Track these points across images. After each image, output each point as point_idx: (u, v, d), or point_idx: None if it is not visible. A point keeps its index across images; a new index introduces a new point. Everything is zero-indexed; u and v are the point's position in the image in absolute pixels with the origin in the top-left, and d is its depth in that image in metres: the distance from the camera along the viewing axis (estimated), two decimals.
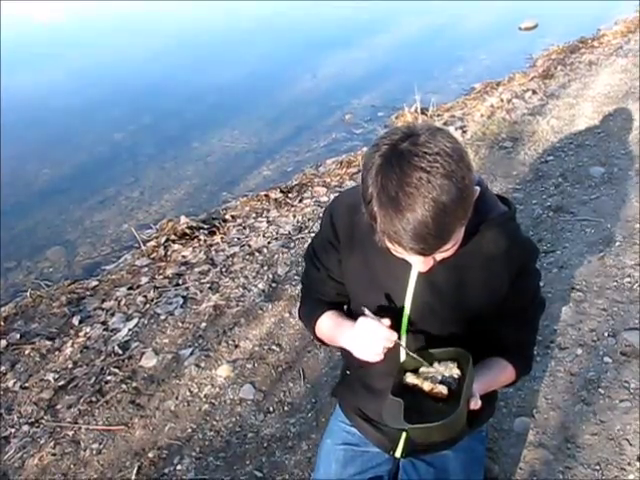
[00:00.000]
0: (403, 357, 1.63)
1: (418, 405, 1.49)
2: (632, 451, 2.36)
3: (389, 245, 1.37)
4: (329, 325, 1.79)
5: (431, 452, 1.88)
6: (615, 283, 3.22)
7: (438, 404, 1.51)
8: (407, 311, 1.62)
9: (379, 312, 1.60)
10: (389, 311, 1.63)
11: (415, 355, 1.57)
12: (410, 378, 1.54)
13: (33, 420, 2.87)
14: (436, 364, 1.56)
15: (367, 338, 1.55)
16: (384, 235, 1.32)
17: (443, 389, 1.51)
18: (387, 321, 1.54)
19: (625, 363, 2.75)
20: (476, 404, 1.49)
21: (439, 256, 1.42)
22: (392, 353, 1.58)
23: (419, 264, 1.44)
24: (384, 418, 1.50)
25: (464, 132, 5.31)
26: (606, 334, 2.91)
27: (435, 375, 1.54)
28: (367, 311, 1.55)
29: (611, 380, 2.67)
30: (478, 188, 1.43)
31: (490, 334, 1.66)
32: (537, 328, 1.82)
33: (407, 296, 1.60)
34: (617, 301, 3.09)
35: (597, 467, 2.31)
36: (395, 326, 1.59)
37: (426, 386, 1.52)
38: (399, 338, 1.60)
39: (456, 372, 1.53)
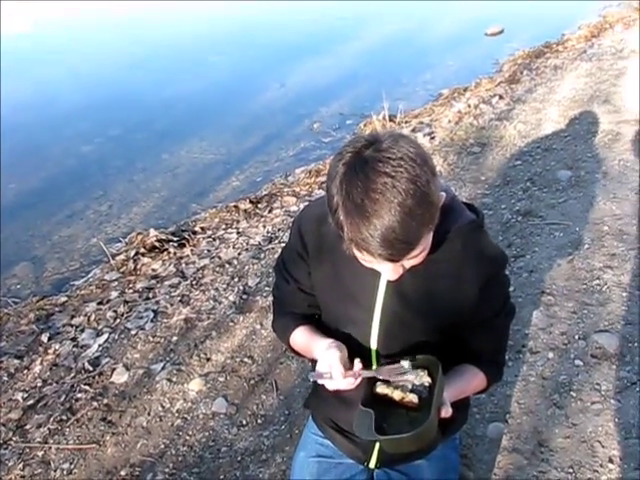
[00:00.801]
0: (373, 368, 1.62)
1: (389, 415, 1.49)
2: (604, 453, 2.37)
3: (357, 254, 1.36)
4: (302, 341, 1.78)
5: (405, 462, 1.87)
6: (584, 286, 3.24)
7: (409, 413, 1.50)
8: (376, 321, 1.61)
9: (348, 323, 1.60)
10: (358, 322, 1.63)
11: (385, 370, 1.56)
12: (380, 388, 1.53)
13: (1, 441, 2.82)
14: (407, 373, 1.54)
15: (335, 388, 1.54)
16: (352, 243, 1.32)
17: (414, 398, 1.50)
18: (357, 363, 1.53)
19: (596, 365, 2.77)
20: (447, 412, 1.48)
21: (408, 264, 1.42)
22: (361, 358, 1.56)
23: (388, 272, 1.43)
24: (355, 430, 1.48)
25: (432, 138, 5.33)
26: (577, 337, 2.93)
27: (405, 384, 1.53)
28: (359, 368, 1.54)
29: (582, 383, 2.69)
30: (444, 194, 1.42)
31: (461, 342, 1.66)
32: (508, 335, 1.82)
33: (376, 306, 1.59)
34: (587, 304, 3.11)
35: (570, 470, 2.32)
36: (364, 342, 1.62)
37: (396, 395, 1.51)
38: (368, 345, 1.60)
39: (427, 380, 1.52)
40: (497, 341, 1.77)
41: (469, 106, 5.97)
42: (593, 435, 2.45)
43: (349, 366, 1.52)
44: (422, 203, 1.27)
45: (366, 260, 1.38)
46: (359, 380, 1.51)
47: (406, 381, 1.53)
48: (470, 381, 1.73)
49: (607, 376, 2.70)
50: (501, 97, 6.07)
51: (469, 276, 1.57)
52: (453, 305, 1.60)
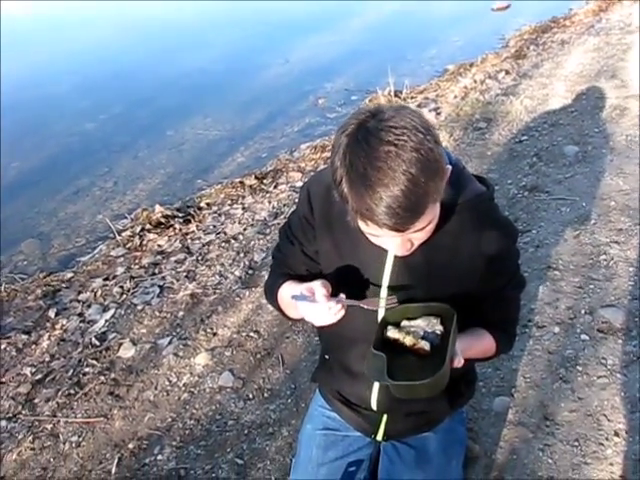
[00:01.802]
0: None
1: (399, 360, 1.47)
2: (609, 426, 2.38)
3: (363, 227, 1.36)
4: (287, 292, 1.71)
5: (412, 434, 1.88)
6: (591, 261, 3.23)
7: (420, 360, 1.48)
8: (384, 294, 1.60)
9: (353, 295, 1.59)
10: (364, 294, 1.62)
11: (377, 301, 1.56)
12: (391, 332, 1.51)
13: (11, 415, 2.84)
14: (419, 319, 1.53)
15: (317, 319, 1.51)
16: (357, 214, 1.31)
17: (425, 345, 1.48)
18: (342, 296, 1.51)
19: (602, 340, 2.77)
20: (459, 362, 1.46)
21: (416, 238, 1.41)
22: (370, 334, 1.56)
23: (396, 247, 1.42)
24: (366, 373, 1.47)
25: (438, 114, 5.30)
26: (583, 312, 2.92)
27: (417, 330, 1.51)
28: (343, 297, 1.51)
29: (589, 357, 2.69)
30: (449, 167, 1.41)
31: (471, 314, 1.65)
32: (519, 306, 1.82)
33: (384, 279, 1.59)
34: (593, 279, 3.11)
35: (576, 443, 2.33)
36: (371, 315, 1.60)
37: (408, 341, 1.49)
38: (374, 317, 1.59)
39: (439, 328, 1.51)
40: (508, 312, 1.77)
41: (475, 81, 5.93)
42: (599, 409, 2.45)
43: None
44: (426, 171, 1.26)
45: (372, 234, 1.38)
46: (342, 311, 1.48)
47: (417, 327, 1.52)
48: (480, 341, 1.71)
49: (613, 350, 2.70)
50: (507, 72, 6.03)
51: (478, 248, 1.56)
52: (462, 277, 1.59)
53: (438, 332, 1.51)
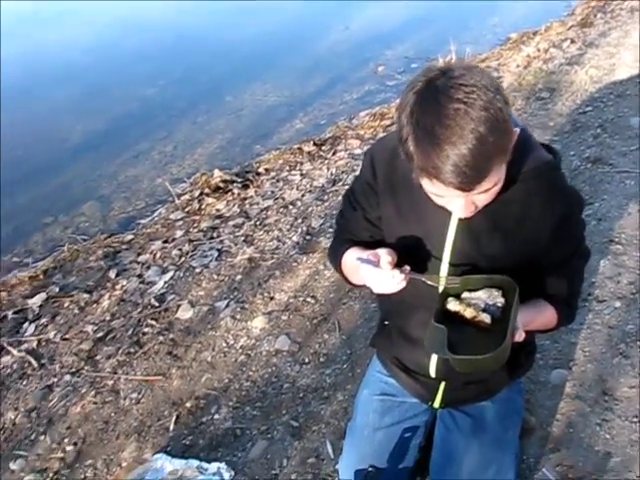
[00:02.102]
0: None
1: (459, 332, 1.46)
2: None
3: (427, 186, 1.35)
4: (352, 258, 1.72)
5: (470, 403, 1.88)
6: None
7: (480, 332, 1.48)
8: (446, 260, 1.60)
9: (415, 260, 1.58)
10: (426, 260, 1.62)
11: (441, 278, 1.55)
12: (452, 304, 1.50)
13: (74, 370, 2.93)
14: (480, 291, 1.51)
15: (377, 285, 1.51)
16: (422, 172, 1.30)
17: (486, 318, 1.47)
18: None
19: None
20: (520, 336, 1.46)
21: (480, 200, 1.39)
22: (430, 301, 1.56)
23: (460, 209, 1.40)
24: (427, 346, 1.47)
25: (500, 83, 5.20)
26: None
27: (478, 302, 1.50)
28: (407, 268, 1.50)
29: None
30: (517, 129, 1.39)
31: (533, 283, 1.63)
32: (582, 278, 1.78)
33: (446, 245, 1.58)
34: None
35: (635, 419, 2.29)
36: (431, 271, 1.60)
37: (468, 313, 1.48)
38: (435, 293, 1.58)
39: (500, 301, 1.49)
40: (570, 283, 1.73)
41: (538, 50, 5.79)
42: None
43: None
44: (495, 131, 1.25)
45: (437, 194, 1.37)
46: (404, 282, 1.47)
47: (478, 299, 1.50)
48: (541, 313, 1.70)
49: None
50: (573, 41, 5.87)
51: (542, 217, 1.54)
52: (525, 245, 1.57)
53: (499, 305, 1.49)
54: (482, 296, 1.51)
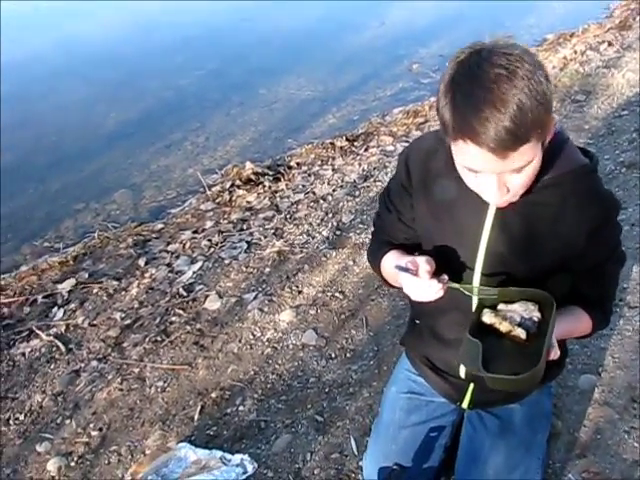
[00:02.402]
0: (474, 306, 1.59)
1: (494, 346, 1.44)
2: None
3: (461, 157, 1.34)
4: (389, 265, 1.74)
5: (498, 404, 1.86)
6: None
7: (515, 346, 1.45)
8: (480, 261, 1.58)
9: (449, 263, 1.57)
10: (461, 260, 1.60)
11: (478, 289, 1.52)
12: (487, 316, 1.48)
13: (101, 356, 2.95)
14: (516, 304, 1.49)
15: (415, 294, 1.50)
16: (457, 135, 1.29)
17: (522, 333, 1.44)
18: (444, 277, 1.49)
19: None
20: (555, 354, 1.43)
21: (512, 181, 1.36)
22: (462, 302, 1.54)
23: (492, 188, 1.36)
24: (460, 359, 1.46)
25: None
26: None
27: (514, 316, 1.47)
28: (445, 277, 1.48)
29: None
30: (556, 119, 1.38)
31: (567, 287, 1.61)
32: (617, 282, 1.76)
33: (480, 245, 1.56)
34: None
35: None
36: (465, 275, 1.58)
37: (504, 327, 1.45)
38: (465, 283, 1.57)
39: (536, 315, 1.46)
40: (605, 287, 1.71)
41: (575, 52, 5.74)
42: None
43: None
44: (535, 102, 1.24)
45: (470, 167, 1.35)
46: (441, 291, 1.46)
47: (514, 312, 1.48)
48: (576, 322, 1.68)
49: None
50: (610, 44, 5.80)
51: (578, 220, 1.51)
52: (559, 249, 1.55)
53: (535, 319, 1.47)
54: (518, 309, 1.48)
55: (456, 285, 1.49)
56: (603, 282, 1.68)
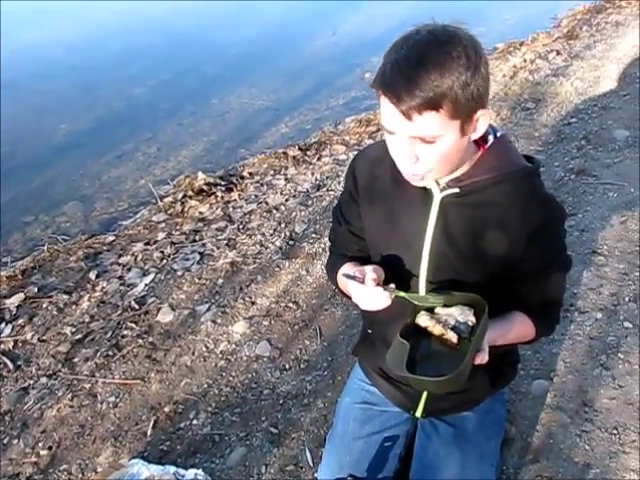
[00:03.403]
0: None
1: (425, 348, 1.45)
2: None
3: (381, 110, 1.36)
4: (343, 278, 1.73)
5: (452, 412, 1.87)
6: (637, 247, 3.16)
7: (447, 350, 1.45)
8: (424, 265, 1.59)
9: (396, 267, 1.59)
10: (406, 265, 1.62)
11: (422, 297, 1.54)
12: (422, 319, 1.49)
13: (51, 372, 2.89)
14: (453, 308, 1.50)
15: (363, 302, 1.51)
16: (374, 84, 1.34)
17: (453, 337, 1.44)
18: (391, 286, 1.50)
19: None
20: (483, 359, 1.43)
21: (422, 152, 1.37)
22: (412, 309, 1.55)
23: (401, 151, 1.39)
24: (387, 360, 1.45)
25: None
26: (627, 299, 2.87)
27: (448, 319, 1.48)
28: (392, 286, 1.49)
29: (631, 345, 2.64)
30: (498, 133, 1.45)
31: (511, 290, 1.63)
32: (562, 288, 1.77)
33: (424, 249, 1.57)
34: (638, 266, 3.04)
35: (614, 431, 2.29)
36: (410, 279, 1.60)
37: (437, 330, 1.46)
38: (416, 288, 1.60)
39: (471, 320, 1.47)
40: (550, 293, 1.72)
41: (525, 61, 5.83)
42: (639, 397, 2.41)
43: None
44: (456, 75, 1.28)
45: (384, 121, 1.37)
46: (389, 300, 1.47)
47: (450, 316, 1.49)
48: (515, 326, 1.68)
49: None
50: (558, 53, 5.90)
51: (520, 223, 1.52)
52: (501, 249, 1.55)
53: (470, 323, 1.48)
54: (454, 313, 1.49)
55: (402, 293, 1.50)
56: (547, 287, 1.69)
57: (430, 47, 1.28)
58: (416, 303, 1.52)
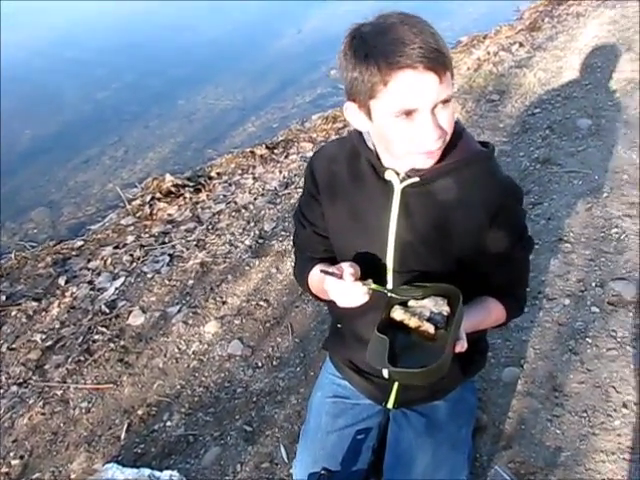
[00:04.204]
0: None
1: (403, 342, 1.45)
2: (618, 398, 2.37)
3: (393, 97, 1.33)
4: (317, 278, 1.74)
5: (423, 402, 1.88)
6: (602, 234, 3.21)
7: (425, 341, 1.46)
8: (390, 255, 1.60)
9: (362, 260, 1.58)
10: (373, 257, 1.62)
11: (401, 290, 1.54)
12: (397, 313, 1.49)
13: (21, 380, 2.87)
14: (426, 299, 1.51)
15: (341, 298, 1.51)
16: (388, 70, 1.30)
17: (430, 328, 1.45)
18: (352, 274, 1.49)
19: (612, 312, 2.75)
20: (462, 347, 1.44)
21: (443, 117, 1.37)
22: (382, 303, 1.55)
23: (429, 123, 1.36)
24: (368, 357, 1.45)
25: None
26: (593, 284, 2.91)
27: (423, 311, 1.48)
28: (370, 281, 1.50)
29: (598, 329, 2.67)
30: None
31: (478, 275, 1.64)
32: (527, 269, 1.79)
33: (389, 239, 1.58)
34: (604, 251, 3.09)
35: (584, 414, 2.32)
36: (378, 272, 1.59)
37: (412, 323, 1.46)
38: (385, 282, 1.60)
39: (445, 309, 1.48)
40: (515, 274, 1.74)
41: (488, 53, 5.86)
42: (608, 381, 2.45)
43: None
44: (440, 37, 1.32)
45: (408, 100, 1.33)
46: (367, 295, 1.47)
47: (424, 308, 1.49)
48: (489, 312, 1.70)
49: (623, 323, 2.69)
50: (521, 45, 5.95)
51: (478, 204, 1.54)
52: (465, 234, 1.57)
53: (445, 313, 1.48)
54: (428, 304, 1.50)
55: (380, 287, 1.51)
56: (512, 269, 1.71)
57: (409, 19, 1.32)
58: (392, 296, 1.52)
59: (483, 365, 2.05)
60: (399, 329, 1.48)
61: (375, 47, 1.30)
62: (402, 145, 1.41)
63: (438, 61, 1.28)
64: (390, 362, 1.39)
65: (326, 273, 1.50)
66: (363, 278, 1.50)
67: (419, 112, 1.34)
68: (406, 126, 1.37)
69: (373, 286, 1.49)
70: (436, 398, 1.90)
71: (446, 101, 1.35)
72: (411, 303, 1.51)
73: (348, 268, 1.47)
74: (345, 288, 1.47)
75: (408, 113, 1.34)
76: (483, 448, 2.25)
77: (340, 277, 1.47)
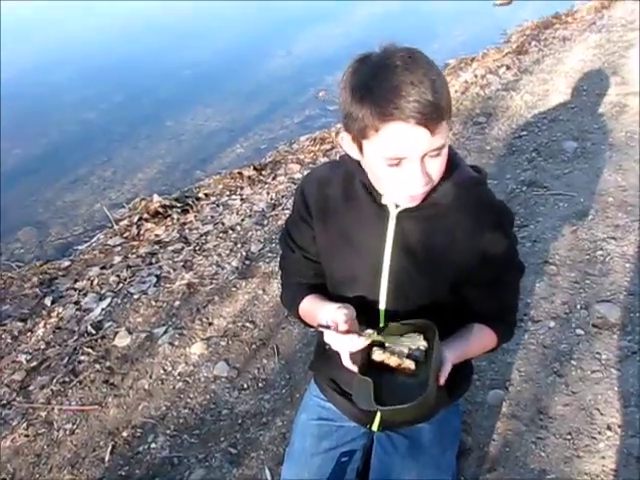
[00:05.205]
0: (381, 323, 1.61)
1: (387, 382, 1.47)
2: (602, 420, 2.38)
3: (383, 144, 1.33)
4: (310, 310, 1.74)
5: (407, 425, 1.88)
6: (587, 256, 3.23)
7: (408, 378, 1.48)
8: (384, 280, 1.60)
9: (355, 284, 1.61)
10: (366, 281, 1.62)
11: (380, 336, 1.53)
12: (377, 354, 1.50)
13: (5, 402, 2.84)
14: (402, 337, 1.53)
15: (341, 347, 1.50)
16: (381, 117, 1.29)
17: (410, 364, 1.47)
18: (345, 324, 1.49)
19: (597, 335, 2.77)
20: (445, 377, 1.47)
21: (432, 166, 1.38)
22: (367, 325, 1.55)
23: (416, 173, 1.36)
24: (354, 399, 1.48)
25: None
26: (578, 306, 2.93)
27: (402, 349, 1.50)
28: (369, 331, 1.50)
29: (583, 352, 2.69)
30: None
31: (469, 300, 1.65)
32: (517, 293, 1.79)
33: (384, 264, 1.58)
34: (589, 274, 3.11)
35: (569, 437, 2.33)
36: (372, 303, 1.61)
37: (393, 362, 1.48)
38: (378, 306, 1.61)
39: (422, 344, 1.50)
40: (506, 299, 1.75)
41: (476, 76, 5.92)
42: (592, 403, 2.46)
43: (358, 329, 1.49)
44: (442, 80, 1.32)
45: (393, 153, 1.34)
46: (367, 341, 1.48)
47: (402, 345, 1.51)
48: (479, 340, 1.71)
49: (608, 345, 2.71)
50: (508, 68, 6.01)
51: (471, 229, 1.55)
52: (459, 258, 1.58)
53: (422, 348, 1.50)
54: (405, 342, 1.52)
55: (378, 337, 1.51)
56: (504, 294, 1.72)
57: (411, 65, 1.29)
58: (387, 345, 1.53)
59: (467, 388, 2.05)
60: (381, 369, 1.50)
61: (372, 92, 1.30)
62: (388, 186, 1.44)
63: (432, 116, 1.28)
64: (377, 401, 1.40)
65: (322, 328, 1.49)
66: (356, 304, 1.52)
67: (408, 160, 1.35)
68: (394, 171, 1.38)
69: (372, 338, 1.49)
70: (420, 421, 1.90)
71: (438, 149, 1.35)
72: (388, 343, 1.53)
73: (342, 324, 1.46)
74: (344, 341, 1.47)
75: (397, 160, 1.36)
76: (467, 470, 2.26)
77: (336, 329, 1.47)
